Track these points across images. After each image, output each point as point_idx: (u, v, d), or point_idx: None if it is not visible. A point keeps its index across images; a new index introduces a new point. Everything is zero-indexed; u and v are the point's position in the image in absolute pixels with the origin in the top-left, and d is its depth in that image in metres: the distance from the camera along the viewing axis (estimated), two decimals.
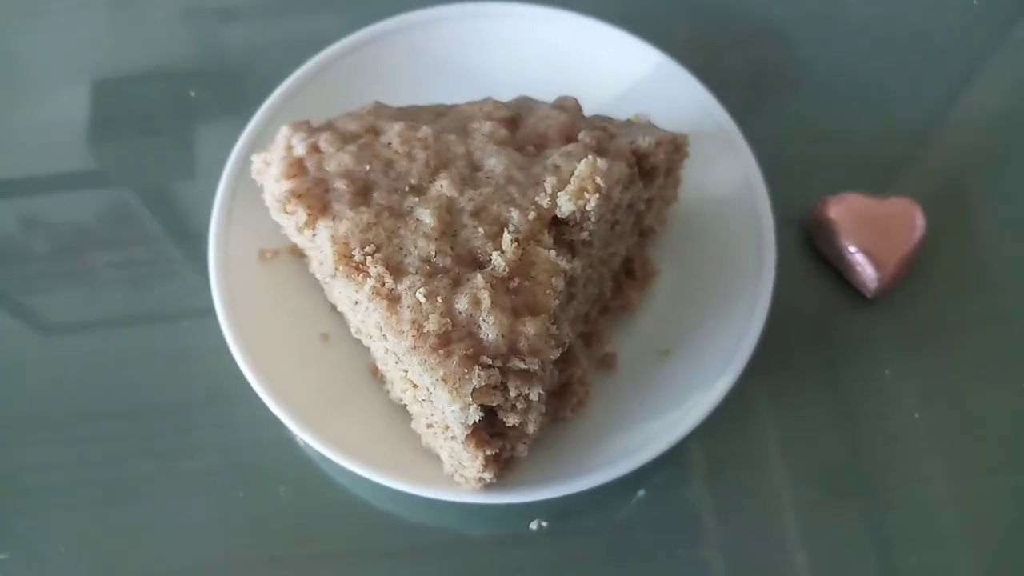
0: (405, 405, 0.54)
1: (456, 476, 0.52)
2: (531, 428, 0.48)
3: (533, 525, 0.56)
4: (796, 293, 0.63)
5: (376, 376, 0.57)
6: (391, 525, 0.57)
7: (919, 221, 0.62)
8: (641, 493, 0.58)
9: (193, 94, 0.72)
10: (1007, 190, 0.68)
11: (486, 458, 0.48)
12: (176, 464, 0.59)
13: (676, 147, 0.55)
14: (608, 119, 0.56)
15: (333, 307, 0.58)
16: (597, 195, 0.47)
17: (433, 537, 0.57)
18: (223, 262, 0.58)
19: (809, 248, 0.65)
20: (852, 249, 0.62)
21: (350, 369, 0.57)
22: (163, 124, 0.72)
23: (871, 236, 0.62)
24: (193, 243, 0.64)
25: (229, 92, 0.73)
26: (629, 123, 0.56)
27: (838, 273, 0.64)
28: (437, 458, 0.53)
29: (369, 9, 0.71)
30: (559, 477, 0.53)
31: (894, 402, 0.60)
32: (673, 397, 0.55)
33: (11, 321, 0.64)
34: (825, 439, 0.60)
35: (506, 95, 0.58)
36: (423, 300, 0.44)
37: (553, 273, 0.46)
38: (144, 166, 0.71)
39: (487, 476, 0.49)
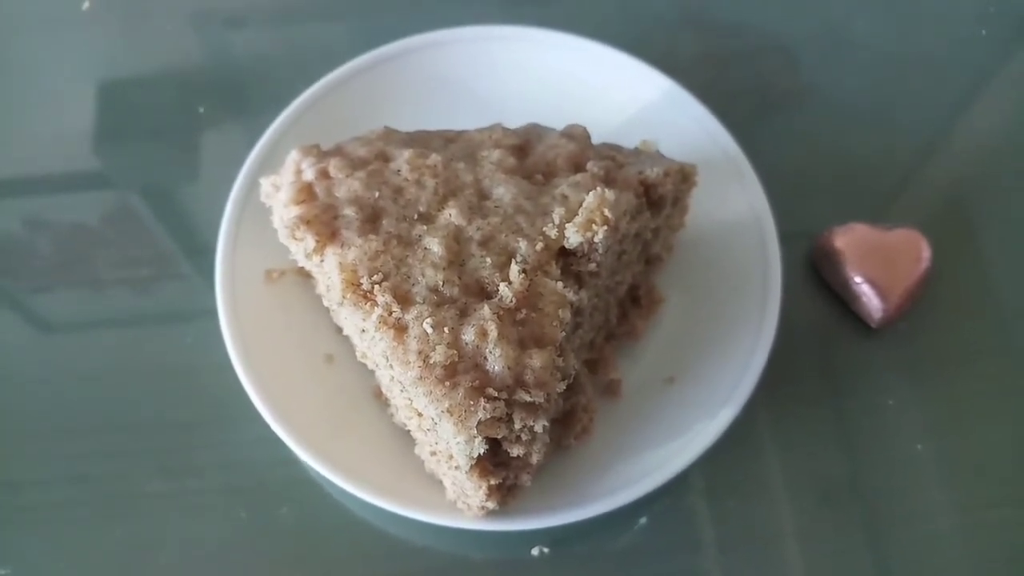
0: (409, 430, 0.54)
1: (459, 503, 0.52)
2: (535, 459, 0.48)
3: (535, 551, 0.56)
4: (800, 322, 0.63)
5: (380, 399, 0.57)
6: (393, 548, 0.57)
7: (925, 253, 0.62)
8: (643, 520, 0.58)
9: (202, 110, 0.72)
10: (1014, 221, 0.68)
11: (489, 487, 0.48)
12: (179, 482, 0.59)
13: (684, 177, 0.55)
14: (616, 147, 0.56)
15: (338, 329, 0.58)
16: (605, 227, 0.47)
17: (435, 561, 0.57)
18: (229, 282, 0.58)
19: (814, 276, 0.65)
20: (858, 279, 0.62)
21: (354, 391, 0.57)
22: (172, 132, 0.72)
23: (877, 267, 0.62)
24: (201, 256, 0.64)
25: (238, 101, 0.73)
26: (637, 151, 0.57)
27: (843, 303, 0.64)
28: (440, 483, 0.53)
29: (379, 21, 0.72)
30: (562, 505, 0.53)
31: (897, 433, 0.60)
32: (677, 426, 0.56)
33: (12, 330, 0.64)
34: (827, 469, 0.59)
35: (514, 118, 0.58)
36: (430, 330, 0.44)
37: (560, 305, 0.46)
38: (152, 174, 0.71)
39: (490, 504, 0.49)
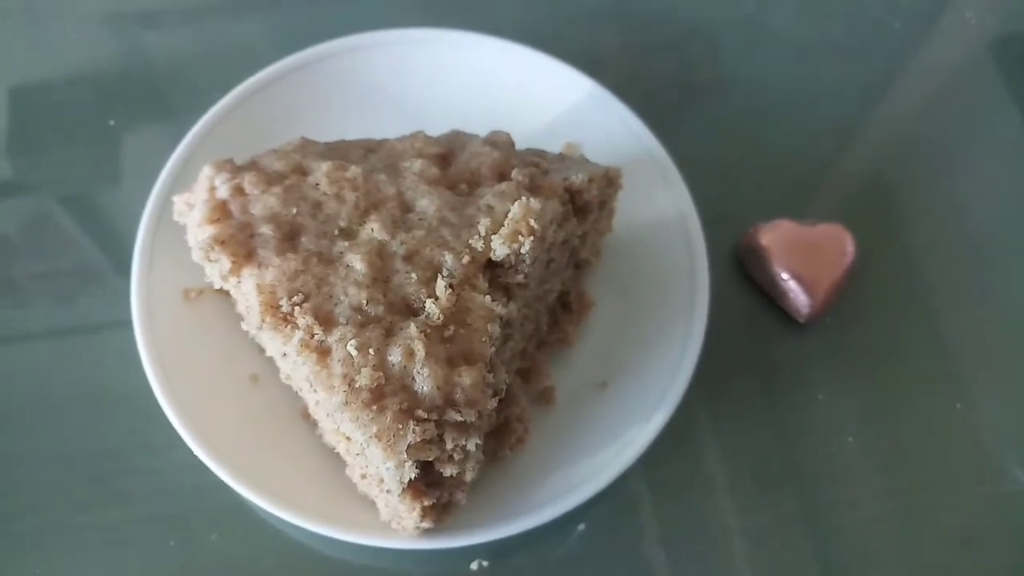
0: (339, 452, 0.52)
1: (393, 523, 0.50)
2: (469, 476, 0.47)
3: (474, 565, 0.56)
4: (729, 320, 0.63)
5: (308, 420, 0.55)
6: (328, 570, 0.55)
7: (849, 247, 0.63)
8: (581, 527, 0.57)
9: (112, 123, 0.69)
10: (934, 213, 0.69)
11: (423, 509, 0.47)
12: (102, 513, 0.57)
13: (609, 181, 0.55)
14: (541, 153, 0.55)
15: (263, 348, 0.56)
16: (531, 238, 0.46)
17: None
18: (146, 303, 0.56)
19: (740, 272, 0.66)
20: (784, 276, 0.62)
21: (281, 412, 0.55)
22: (85, 140, 0.69)
23: (803, 263, 0.62)
24: (119, 270, 0.61)
25: (153, 106, 0.70)
26: (562, 156, 0.56)
27: (770, 299, 0.64)
28: (373, 503, 0.52)
29: (295, 23, 0.71)
30: (499, 518, 0.52)
31: (829, 426, 0.61)
32: (612, 431, 0.55)
33: None
34: (762, 464, 0.60)
35: (436, 123, 0.57)
36: (354, 353, 0.43)
37: (489, 319, 0.45)
38: (65, 184, 0.67)
39: (425, 525, 0.48)
